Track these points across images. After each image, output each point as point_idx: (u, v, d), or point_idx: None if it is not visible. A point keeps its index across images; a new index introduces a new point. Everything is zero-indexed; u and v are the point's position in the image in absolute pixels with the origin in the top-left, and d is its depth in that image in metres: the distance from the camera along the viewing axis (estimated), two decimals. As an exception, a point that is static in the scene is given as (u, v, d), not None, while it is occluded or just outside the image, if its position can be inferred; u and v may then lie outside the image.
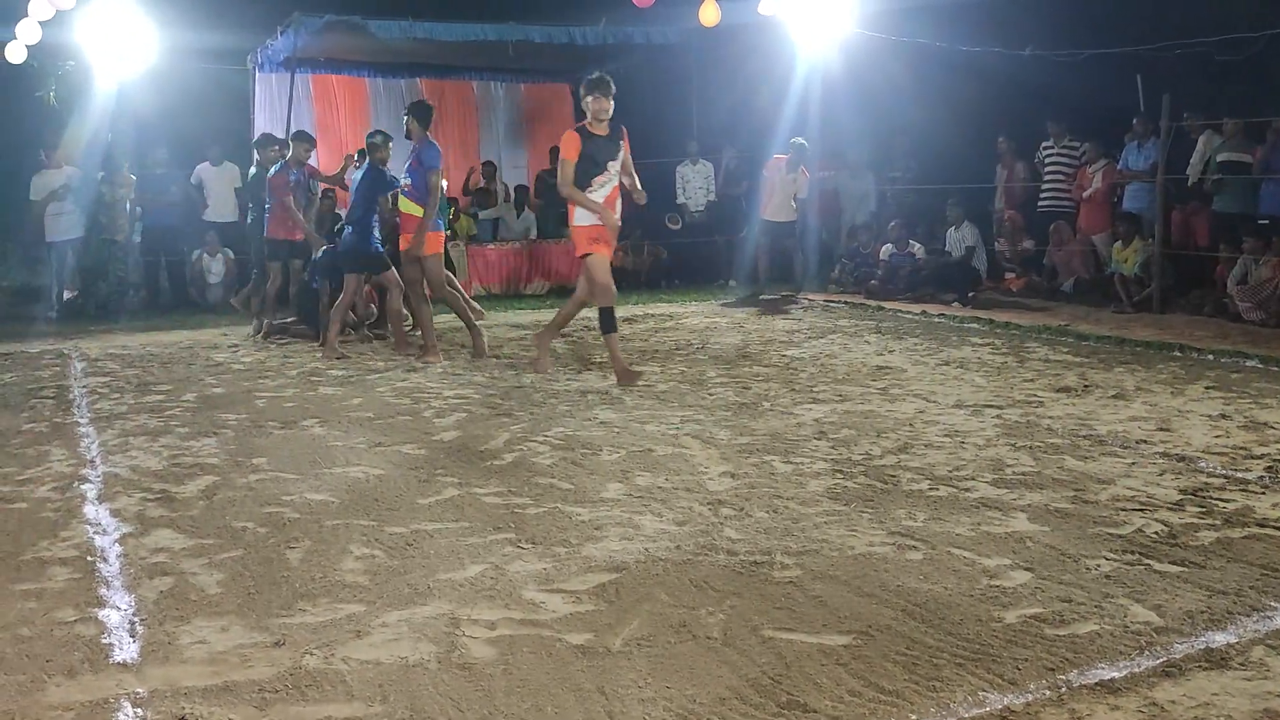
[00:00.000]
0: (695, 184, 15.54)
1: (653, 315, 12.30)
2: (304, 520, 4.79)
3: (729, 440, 6.15)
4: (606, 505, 4.95)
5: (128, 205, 12.95)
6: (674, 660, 3.32)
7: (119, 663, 3.36)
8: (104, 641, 3.52)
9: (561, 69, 15.95)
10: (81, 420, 6.97)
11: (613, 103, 7.83)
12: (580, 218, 8.01)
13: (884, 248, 13.87)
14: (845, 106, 13.82)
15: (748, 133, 15.32)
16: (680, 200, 15.51)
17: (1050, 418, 6.62)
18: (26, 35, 11.59)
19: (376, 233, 9.50)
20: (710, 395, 7.50)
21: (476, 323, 9.63)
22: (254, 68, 14.28)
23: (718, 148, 15.78)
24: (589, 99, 7.84)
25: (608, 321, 8.02)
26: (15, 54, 11.70)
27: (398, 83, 15.64)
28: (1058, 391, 7.46)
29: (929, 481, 5.26)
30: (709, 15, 12.76)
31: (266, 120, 14.03)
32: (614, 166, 7.97)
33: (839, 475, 5.39)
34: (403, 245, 9.30)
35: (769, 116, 14.01)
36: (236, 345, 10.32)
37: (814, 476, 5.38)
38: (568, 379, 8.24)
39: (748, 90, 15.27)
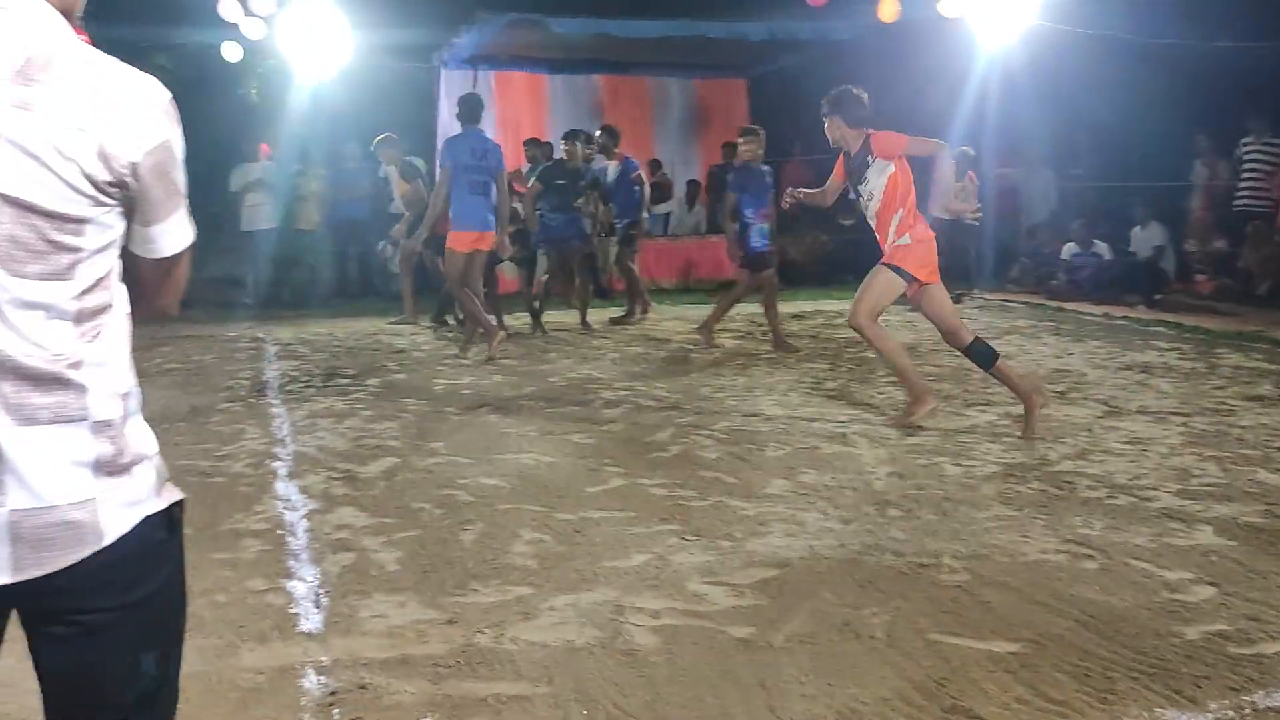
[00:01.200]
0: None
1: (822, 312, 12.20)
2: (477, 504, 4.96)
3: (898, 440, 6.07)
4: (771, 501, 4.96)
5: (319, 198, 13.57)
6: (836, 659, 3.31)
7: (305, 632, 3.56)
8: (291, 611, 3.73)
9: (735, 64, 15.95)
10: (274, 401, 7.37)
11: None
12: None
13: (1066, 246, 13.39)
14: (1025, 102, 13.37)
15: (921, 129, 15.00)
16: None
17: (1241, 427, 6.30)
18: (249, 32, 12.25)
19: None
20: (879, 394, 7.40)
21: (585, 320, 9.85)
22: (439, 65, 14.74)
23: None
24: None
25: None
26: (232, 53, 12.39)
27: (576, 79, 15.90)
28: (1250, 400, 7.09)
29: (1107, 489, 5.08)
30: (888, 11, 12.55)
31: (451, 116, 14.47)
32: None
33: (1011, 479, 5.26)
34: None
35: (944, 113, 13.69)
36: (417, 333, 10.71)
37: (985, 480, 5.27)
38: (733, 374, 8.26)
39: (923, 86, 14.95)
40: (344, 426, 6.55)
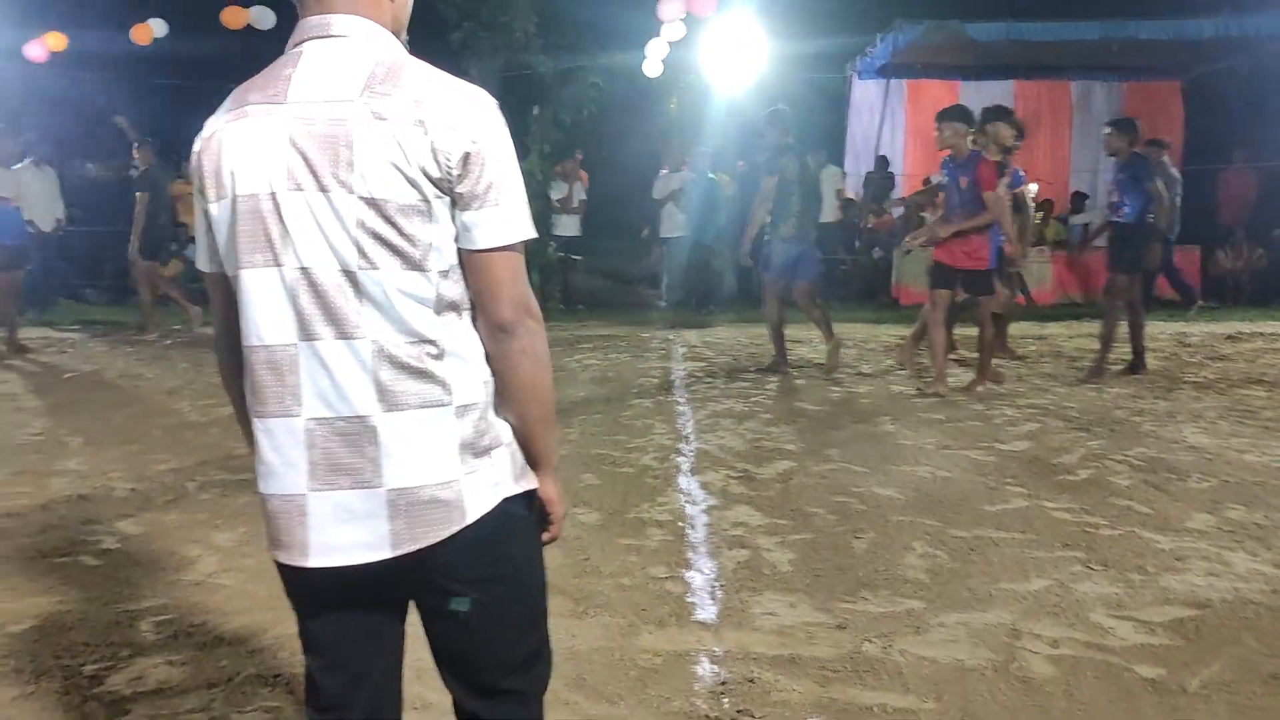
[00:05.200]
0: None
1: (1261, 334, 11.07)
2: (870, 513, 4.95)
3: (1348, 481, 5.41)
4: (1191, 536, 4.59)
5: (730, 206, 14.03)
6: (1260, 713, 3.03)
7: (700, 621, 3.73)
8: (688, 600, 3.92)
9: (1170, 65, 14.80)
10: (680, 400, 7.73)
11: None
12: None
13: None
14: None
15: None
16: None
17: None
18: (659, 52, 12.96)
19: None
20: (1328, 428, 6.63)
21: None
22: (852, 74, 14.80)
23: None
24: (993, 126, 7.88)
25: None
26: (653, 69, 13.12)
27: (992, 85, 15.40)
28: None
29: None
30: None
31: (861, 125, 14.52)
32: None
33: None
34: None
35: None
36: (820, 341, 10.81)
37: None
38: (1154, 397, 7.69)
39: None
40: (743, 427, 6.75)
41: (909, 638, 3.56)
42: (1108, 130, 8.58)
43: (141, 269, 11.15)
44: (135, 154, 11.41)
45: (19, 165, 10.64)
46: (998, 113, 8.03)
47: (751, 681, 3.24)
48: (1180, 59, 14.17)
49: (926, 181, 11.99)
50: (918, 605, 3.84)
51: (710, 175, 13.84)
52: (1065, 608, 3.80)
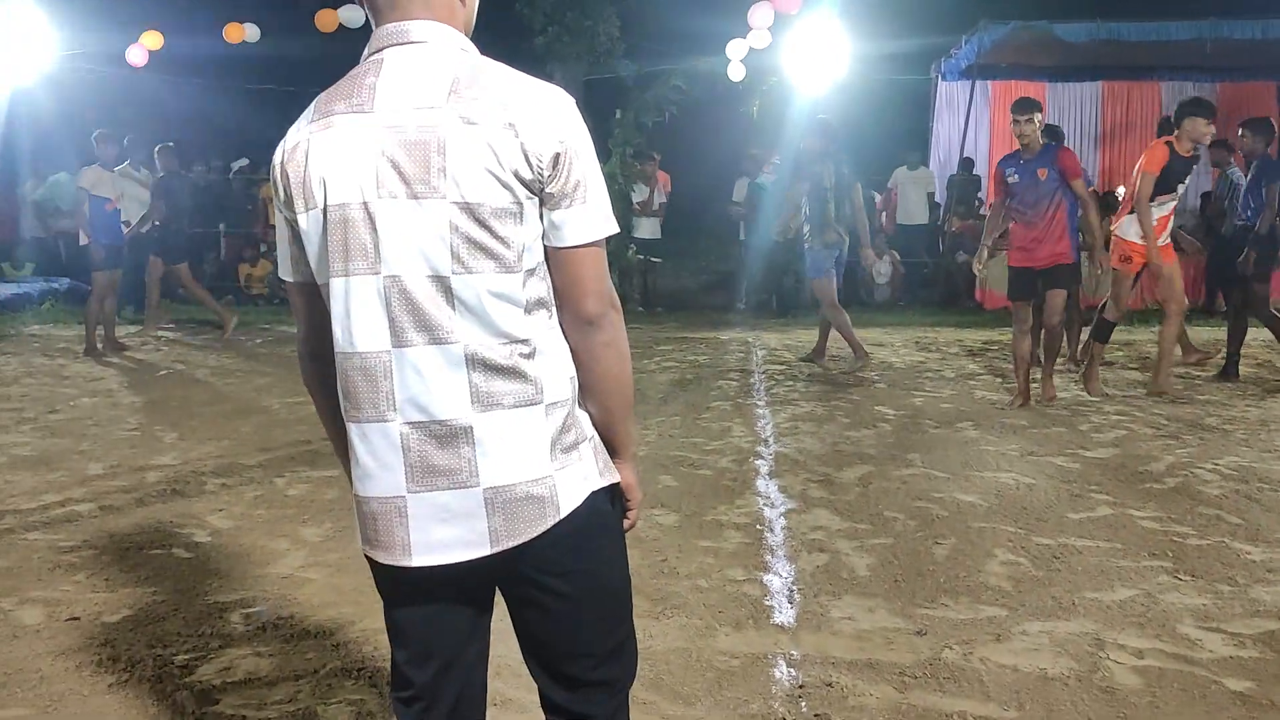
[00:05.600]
0: None
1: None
2: (951, 518, 4.90)
3: None
4: (1285, 548, 4.48)
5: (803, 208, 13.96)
6: (1354, 731, 2.95)
7: (777, 624, 3.73)
8: (766, 603, 3.92)
9: (1265, 66, 14.37)
10: (759, 403, 7.71)
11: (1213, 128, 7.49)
12: (1126, 230, 7.76)
13: None
14: None
15: None
16: None
17: None
18: (740, 54, 12.94)
19: None
20: None
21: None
22: (936, 75, 14.63)
23: None
24: (1190, 121, 7.44)
25: (1103, 332, 8.03)
26: (736, 73, 13.11)
27: (1079, 87, 15.11)
28: None
29: None
30: None
31: (945, 127, 14.35)
32: (1181, 188, 7.66)
33: None
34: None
35: None
36: (901, 346, 10.72)
37: None
38: (1246, 405, 7.49)
39: None
40: (823, 431, 6.72)
41: (990, 645, 3.52)
42: (1242, 132, 8.37)
43: (185, 275, 11.31)
44: (157, 158, 11.49)
45: (120, 167, 10.98)
46: (1193, 106, 7.59)
47: (829, 686, 3.24)
48: (1276, 59, 13.75)
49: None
50: (999, 613, 3.79)
51: (791, 179, 13.77)
52: (1151, 618, 3.73)
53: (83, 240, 10.23)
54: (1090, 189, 8.49)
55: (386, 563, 1.78)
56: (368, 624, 3.64)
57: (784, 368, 9.28)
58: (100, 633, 3.67)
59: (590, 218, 1.73)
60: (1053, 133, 8.40)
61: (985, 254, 7.75)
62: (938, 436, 6.59)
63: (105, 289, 10.07)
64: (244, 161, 16.82)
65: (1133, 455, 6.06)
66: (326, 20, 13.26)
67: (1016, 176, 7.35)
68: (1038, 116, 7.34)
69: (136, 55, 13.32)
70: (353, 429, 1.78)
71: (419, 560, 1.74)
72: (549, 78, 1.75)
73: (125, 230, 10.72)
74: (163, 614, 3.82)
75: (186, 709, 3.12)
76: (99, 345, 10.16)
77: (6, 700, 3.19)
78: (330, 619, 3.75)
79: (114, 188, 10.23)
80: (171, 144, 11.52)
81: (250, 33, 13.62)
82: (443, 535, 1.73)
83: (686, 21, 13.66)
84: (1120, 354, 9.70)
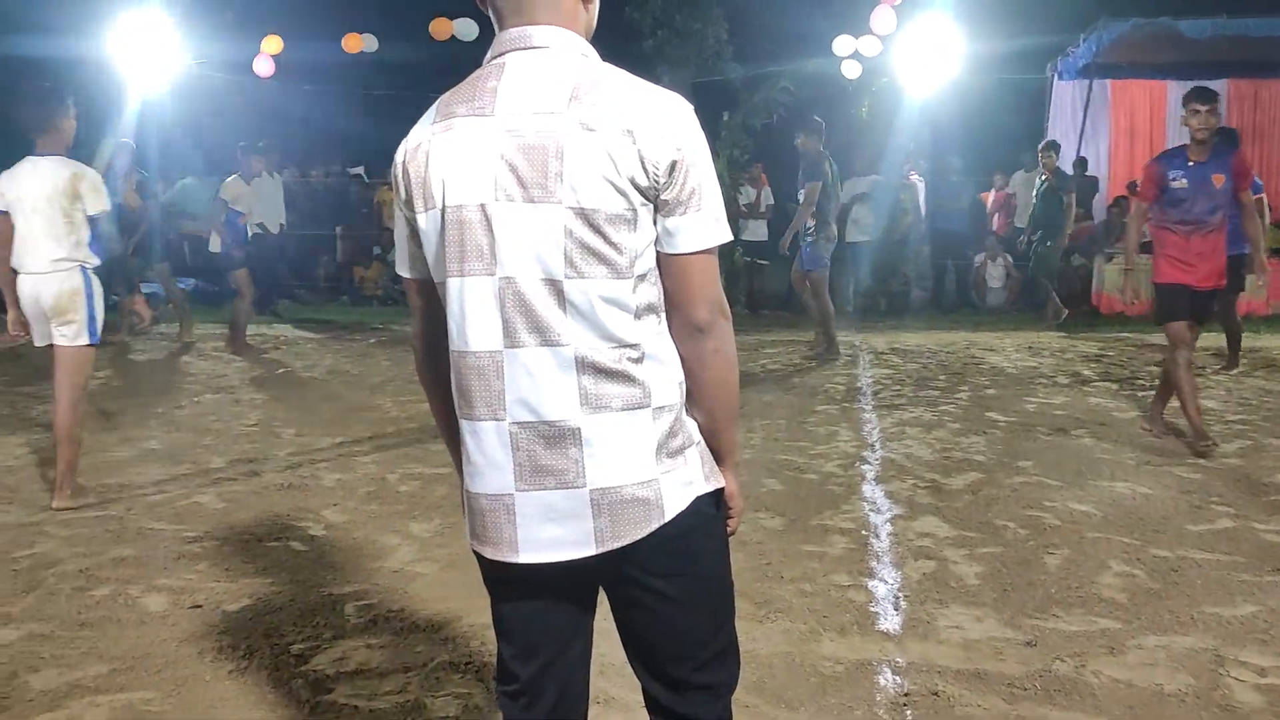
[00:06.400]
0: None
1: None
2: (1064, 528, 4.79)
3: None
4: None
5: (914, 209, 13.78)
6: None
7: (882, 631, 3.69)
8: (871, 609, 3.88)
9: None
10: (865, 407, 7.63)
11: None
12: None
13: None
14: None
15: None
16: None
17: None
18: (848, 54, 12.84)
19: None
20: None
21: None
22: (1052, 74, 14.31)
23: None
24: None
25: None
26: (851, 71, 13.02)
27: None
28: None
29: None
30: None
31: (1061, 128, 14.02)
32: None
33: None
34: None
35: None
36: (1014, 350, 10.51)
37: None
38: (1385, 416, 7.17)
39: None
40: (931, 437, 6.62)
41: (1103, 659, 3.43)
42: None
43: (243, 280, 11.27)
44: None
45: (257, 178, 11.33)
46: None
47: (936, 695, 3.20)
48: None
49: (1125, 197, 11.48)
50: (1113, 625, 3.70)
51: (902, 180, 13.63)
52: (1275, 635, 3.60)
53: (215, 246, 10.55)
54: (1256, 197, 7.51)
55: (494, 558, 1.82)
56: (475, 619, 3.71)
57: (891, 372, 9.17)
58: (221, 621, 3.80)
59: (704, 225, 1.73)
60: (1227, 135, 7.47)
61: (1129, 260, 6.81)
62: (1050, 443, 6.44)
63: (246, 288, 10.37)
64: (359, 168, 17.25)
65: (1257, 466, 5.85)
66: (440, 29, 13.52)
67: (1185, 182, 6.12)
68: (1220, 108, 6.36)
69: (263, 66, 13.76)
70: (465, 425, 1.81)
71: (525, 557, 1.77)
72: (657, 81, 1.76)
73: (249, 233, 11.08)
74: (280, 604, 3.95)
75: (302, 697, 3.22)
76: (247, 343, 10.44)
77: (134, 683, 3.33)
78: (439, 613, 3.83)
79: (248, 203, 10.57)
80: (260, 144, 11.85)
81: (368, 43, 13.97)
82: (549, 534, 1.75)
83: (794, 23, 13.60)
84: (1245, 361, 9.35)
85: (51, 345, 5.21)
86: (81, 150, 5.67)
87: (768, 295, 14.22)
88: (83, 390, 5.28)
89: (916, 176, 13.89)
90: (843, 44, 12.81)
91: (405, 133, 1.86)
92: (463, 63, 1.94)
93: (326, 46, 14.23)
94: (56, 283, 5.10)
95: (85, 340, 5.18)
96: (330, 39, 14.13)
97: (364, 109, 16.84)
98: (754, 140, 13.46)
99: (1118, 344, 10.63)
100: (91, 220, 5.17)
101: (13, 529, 4.88)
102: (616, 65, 1.80)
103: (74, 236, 5.12)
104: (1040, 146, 12.42)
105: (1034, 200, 12.46)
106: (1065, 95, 14.42)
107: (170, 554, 4.53)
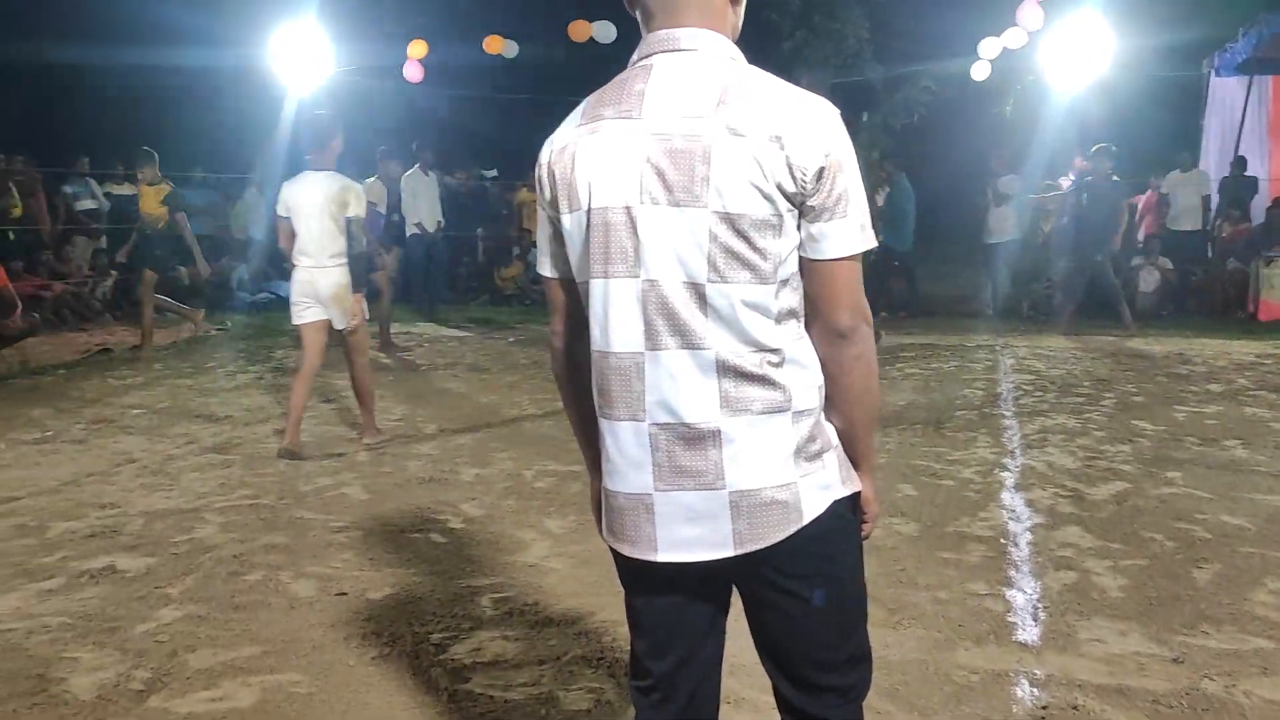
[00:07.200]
0: None
1: None
2: (1215, 542, 4.61)
3: None
4: None
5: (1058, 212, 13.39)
6: None
7: (1020, 641, 3.61)
8: (1009, 619, 3.80)
9: None
10: (1006, 413, 7.46)
11: None
12: None
13: None
14: None
15: None
16: None
17: None
18: (989, 53, 12.57)
19: None
20: None
21: None
22: (1209, 71, 13.75)
23: None
24: None
25: None
26: (980, 72, 12.76)
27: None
28: None
29: None
30: None
31: (1220, 125, 13.47)
32: None
33: None
34: None
35: None
36: (1162, 355, 10.14)
37: None
38: None
39: None
40: (1075, 444, 6.44)
41: (1255, 679, 3.30)
42: None
43: (383, 280, 11.35)
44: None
45: (408, 172, 12.15)
46: None
47: (1075, 709, 3.12)
48: None
49: None
50: (1267, 645, 3.55)
51: (1045, 180, 13.26)
52: None
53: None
54: None
55: (632, 556, 1.84)
56: (607, 615, 3.76)
57: (1033, 377, 8.94)
58: (365, 608, 3.94)
59: (850, 231, 1.73)
60: None
61: None
62: (1201, 454, 6.19)
63: (386, 288, 10.72)
64: (494, 171, 17.61)
65: None
66: (579, 31, 13.69)
67: None
68: None
69: (413, 71, 14.18)
70: (604, 425, 1.84)
71: (664, 556, 1.79)
72: (795, 81, 1.76)
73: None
74: (421, 594, 4.07)
75: (440, 685, 3.31)
76: (391, 340, 10.80)
77: (283, 665, 3.48)
78: (572, 608, 3.89)
79: (384, 201, 11.04)
80: (414, 146, 12.39)
81: (508, 48, 14.25)
82: (688, 534, 1.77)
83: (935, 22, 13.36)
84: None
85: (298, 324, 6.32)
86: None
87: (906, 297, 14.01)
88: (368, 357, 6.63)
89: (1072, 178, 13.49)
90: (988, 44, 12.53)
91: (538, 137, 1.88)
92: (598, 67, 1.97)
93: (467, 50, 14.55)
94: (334, 275, 6.19)
95: (358, 320, 6.30)
96: (470, 41, 14.44)
97: (501, 112, 17.16)
98: (894, 140, 13.27)
99: (1277, 352, 10.15)
100: (349, 221, 6.13)
101: (174, 515, 5.14)
102: (756, 66, 1.80)
103: (342, 239, 6.12)
104: (1093, 150, 11.90)
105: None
106: (1223, 92, 13.84)
107: (319, 542, 4.72)
